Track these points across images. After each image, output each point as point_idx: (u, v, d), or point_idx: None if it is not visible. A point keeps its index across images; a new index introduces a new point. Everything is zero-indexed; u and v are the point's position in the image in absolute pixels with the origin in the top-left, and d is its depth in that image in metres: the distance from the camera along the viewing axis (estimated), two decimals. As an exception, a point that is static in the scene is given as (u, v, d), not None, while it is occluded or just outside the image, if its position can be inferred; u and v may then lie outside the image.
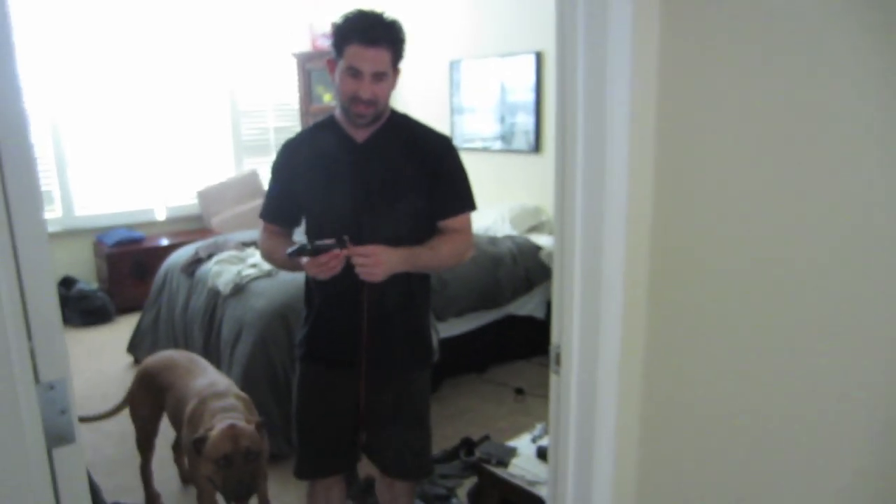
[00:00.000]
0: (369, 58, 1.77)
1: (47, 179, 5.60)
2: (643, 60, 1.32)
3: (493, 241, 4.37)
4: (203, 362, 2.78)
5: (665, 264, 1.39)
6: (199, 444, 2.19)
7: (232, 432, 2.18)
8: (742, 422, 1.28)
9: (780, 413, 1.22)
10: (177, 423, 2.60)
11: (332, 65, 1.87)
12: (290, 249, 1.77)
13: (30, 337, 0.99)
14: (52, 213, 5.66)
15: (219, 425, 2.21)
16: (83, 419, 2.93)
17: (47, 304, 1.02)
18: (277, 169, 2.02)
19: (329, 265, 1.74)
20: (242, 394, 2.54)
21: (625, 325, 1.43)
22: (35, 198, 1.01)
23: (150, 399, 2.73)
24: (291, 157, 1.98)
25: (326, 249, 1.73)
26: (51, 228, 5.53)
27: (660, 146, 1.35)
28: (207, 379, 2.58)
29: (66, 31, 5.48)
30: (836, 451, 1.15)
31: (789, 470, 1.22)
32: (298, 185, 1.96)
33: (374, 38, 1.76)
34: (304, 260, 1.77)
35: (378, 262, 1.76)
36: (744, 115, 1.20)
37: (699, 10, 1.24)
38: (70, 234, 5.73)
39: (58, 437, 1.04)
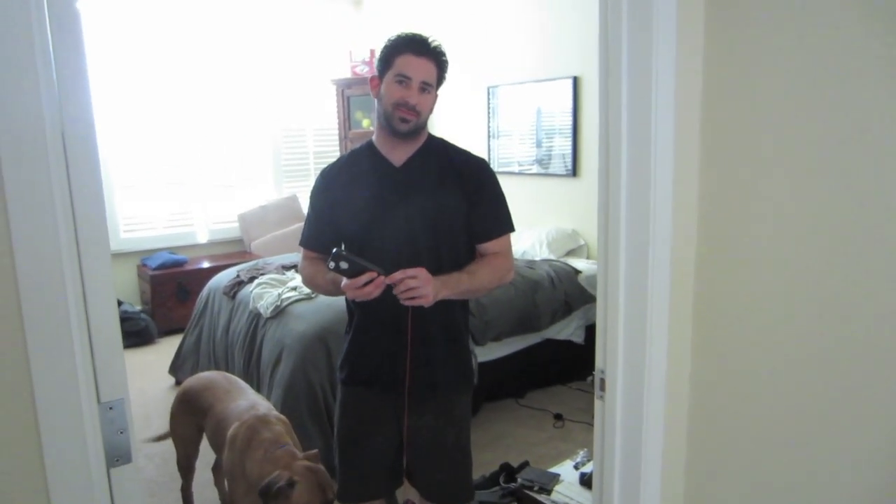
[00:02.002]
0: (419, 66, 1.85)
1: (95, 204, 5.74)
2: (687, 85, 1.32)
3: (531, 264, 4.37)
4: (242, 384, 2.81)
5: (711, 288, 1.38)
6: (283, 491, 2.08)
7: (317, 480, 2.14)
8: (795, 449, 1.26)
9: (833, 432, 1.19)
10: (216, 445, 2.62)
11: (374, 82, 1.93)
12: (329, 265, 1.76)
13: (93, 357, 1.02)
14: (99, 237, 5.79)
15: (300, 471, 2.14)
16: (147, 441, 3.00)
17: (109, 326, 1.06)
18: (316, 196, 2.05)
19: (367, 290, 1.75)
20: (282, 416, 2.55)
21: (670, 349, 1.42)
22: (101, 224, 1.05)
23: (190, 420, 2.77)
24: (330, 184, 2.02)
25: (366, 270, 1.73)
26: (97, 251, 5.67)
27: (704, 170, 1.35)
28: (247, 401, 2.60)
29: (114, 57, 5.66)
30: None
31: (844, 493, 1.19)
32: (337, 210, 1.99)
33: (425, 50, 1.86)
34: (344, 281, 1.78)
35: (426, 280, 1.76)
36: (793, 139, 1.19)
37: (744, 35, 1.24)
38: (115, 257, 5.87)
39: (116, 456, 1.06)
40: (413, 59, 1.85)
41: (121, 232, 5.96)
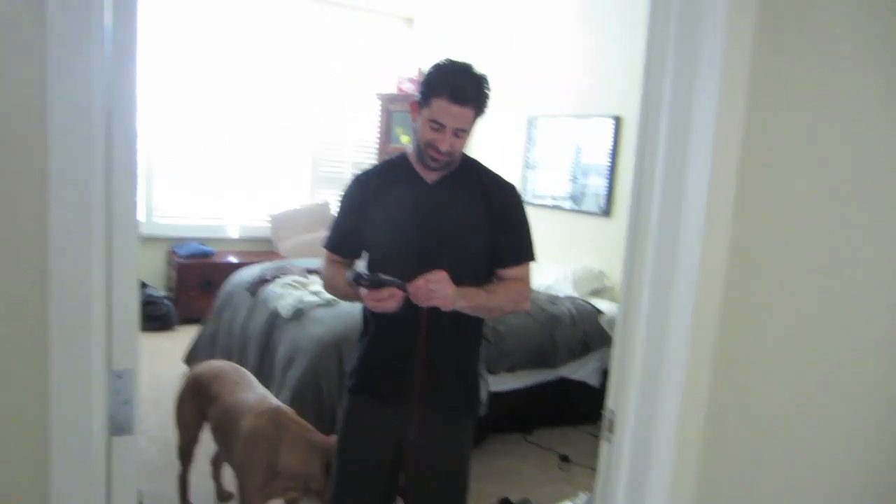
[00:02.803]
0: (454, 114, 1.81)
1: (134, 186, 5.87)
2: (727, 134, 1.31)
3: (554, 300, 4.34)
4: (250, 376, 2.83)
5: (734, 337, 1.35)
6: None
7: None
8: (812, 497, 1.22)
9: (854, 487, 1.16)
10: (221, 435, 2.63)
11: (414, 106, 1.92)
12: (349, 275, 1.79)
13: (110, 326, 1.03)
14: (133, 219, 5.91)
15: None
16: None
17: (129, 298, 1.07)
18: (346, 201, 2.06)
19: (387, 302, 1.75)
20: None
21: (685, 397, 1.39)
22: (132, 201, 1.07)
23: (195, 407, 2.78)
24: (361, 191, 2.03)
25: (387, 284, 1.75)
26: (131, 232, 5.78)
27: (737, 220, 1.33)
28: (255, 394, 2.63)
29: (170, 52, 5.82)
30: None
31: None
32: (365, 218, 2.00)
33: (462, 97, 1.80)
34: (364, 291, 1.79)
35: (448, 282, 1.75)
36: (831, 193, 1.17)
37: (789, 90, 1.23)
38: (147, 240, 5.97)
39: (118, 425, 1.07)
40: (448, 107, 1.80)
41: (155, 217, 6.06)
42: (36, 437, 0.98)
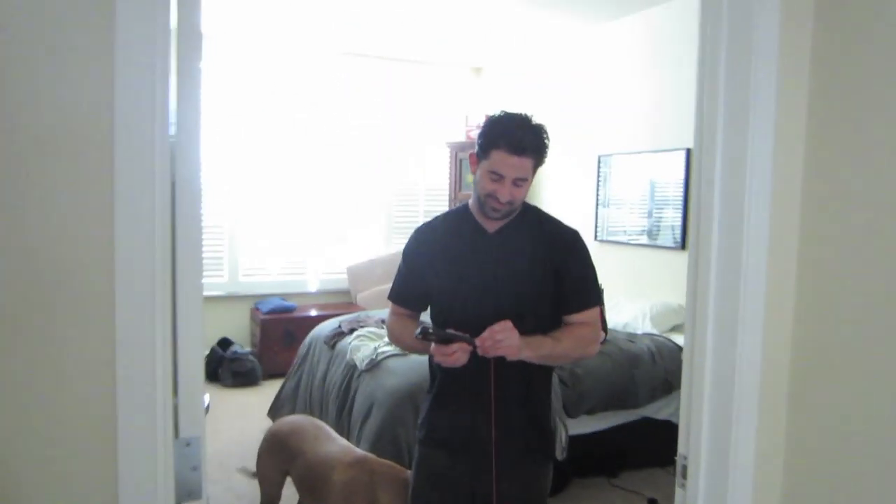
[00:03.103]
0: (513, 165, 1.82)
1: (219, 247, 6.15)
2: (785, 160, 1.28)
3: (632, 337, 4.23)
4: (328, 428, 2.89)
5: (808, 372, 1.30)
6: None
7: None
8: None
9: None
10: (310, 489, 2.67)
11: (473, 158, 1.94)
12: (417, 332, 1.81)
13: (175, 393, 1.09)
14: (220, 279, 6.17)
15: None
16: (241, 470, 3.13)
17: (195, 364, 1.12)
18: (409, 253, 2.09)
19: (455, 356, 1.77)
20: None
21: (760, 438, 1.34)
22: (197, 270, 1.13)
23: (276, 462, 2.84)
24: (423, 243, 2.06)
25: (455, 339, 1.76)
26: (217, 292, 6.06)
27: (802, 247, 1.29)
28: (338, 445, 2.69)
29: (249, 118, 6.13)
30: None
31: None
32: (428, 270, 2.02)
33: (520, 147, 1.82)
34: (433, 346, 1.81)
35: (513, 331, 1.75)
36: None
37: (847, 111, 1.20)
38: (232, 299, 6.21)
39: (187, 492, 1.11)
40: (507, 158, 1.81)
41: (240, 276, 6.30)
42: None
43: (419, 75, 6.83)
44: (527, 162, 1.84)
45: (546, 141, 1.88)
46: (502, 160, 1.82)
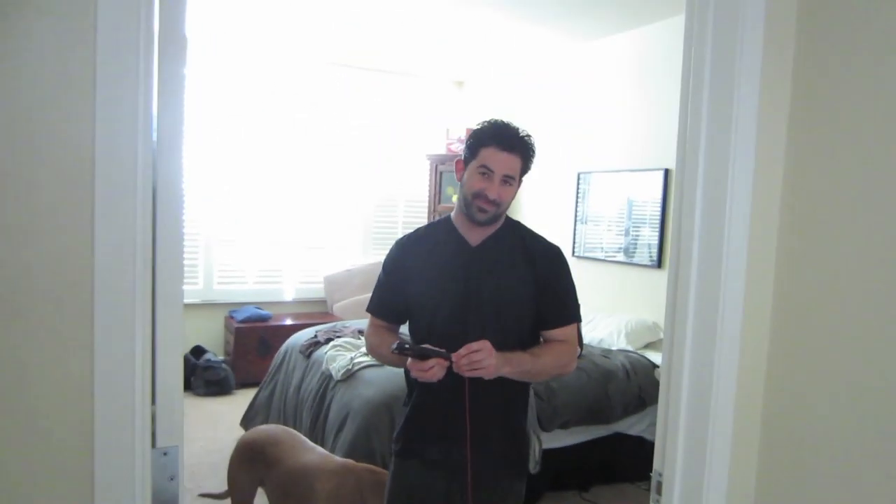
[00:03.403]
0: (502, 160, 1.86)
1: (194, 254, 6.09)
2: (765, 183, 1.31)
3: (607, 353, 4.27)
4: (301, 437, 2.87)
5: (781, 393, 1.32)
6: None
7: None
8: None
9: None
10: (286, 498, 2.64)
11: (459, 165, 1.98)
12: (393, 346, 1.81)
13: (154, 402, 1.08)
14: (194, 286, 6.10)
15: None
16: (204, 495, 3.07)
17: (173, 373, 1.11)
18: (389, 264, 2.09)
19: (432, 371, 1.77)
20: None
21: (733, 457, 1.36)
22: (177, 278, 1.12)
23: (250, 472, 2.80)
24: (404, 255, 2.06)
25: (432, 355, 1.77)
26: (191, 299, 5.98)
27: (779, 268, 1.32)
28: (317, 454, 2.68)
29: (224, 125, 6.08)
30: None
31: None
32: (409, 282, 2.02)
33: (510, 144, 1.87)
34: (409, 361, 1.81)
35: (490, 353, 1.76)
36: (876, 240, 1.15)
37: (827, 136, 1.23)
38: (206, 306, 6.15)
39: (163, 501, 1.10)
40: (497, 153, 1.86)
41: (215, 283, 6.24)
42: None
43: (401, 87, 6.85)
44: (515, 160, 1.88)
45: (532, 144, 1.93)
46: (492, 156, 1.86)
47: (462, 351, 1.75)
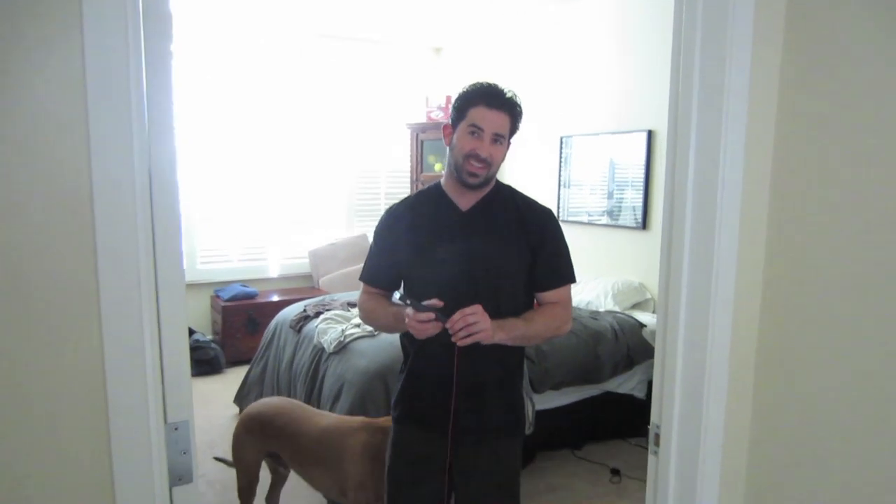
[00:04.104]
0: (492, 118, 1.87)
1: (176, 234, 6.02)
2: (757, 144, 1.33)
3: (595, 315, 4.32)
4: (305, 405, 2.93)
5: (774, 346, 1.36)
6: None
7: None
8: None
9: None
10: (315, 462, 2.70)
11: (447, 130, 1.97)
12: (398, 293, 1.82)
13: (163, 380, 1.09)
14: (178, 266, 6.05)
15: None
16: (218, 459, 3.10)
17: (180, 352, 1.12)
18: (380, 232, 2.10)
19: (427, 325, 1.78)
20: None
21: (729, 408, 1.40)
22: (177, 260, 1.13)
23: (258, 445, 2.83)
24: (395, 222, 2.06)
25: (430, 310, 1.78)
26: (175, 280, 5.92)
27: (771, 228, 1.34)
28: (332, 416, 2.76)
29: (199, 96, 5.98)
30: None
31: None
32: (400, 249, 2.02)
33: (498, 102, 1.88)
34: (409, 311, 1.82)
35: (485, 316, 1.78)
36: (865, 206, 1.18)
37: (818, 96, 1.24)
38: (190, 287, 6.10)
39: (178, 475, 1.12)
40: (486, 112, 1.87)
41: (198, 263, 6.21)
42: (103, 494, 1.03)
43: (378, 55, 6.77)
44: (504, 118, 1.89)
45: (519, 103, 1.93)
46: (481, 114, 1.87)
47: (456, 316, 1.76)
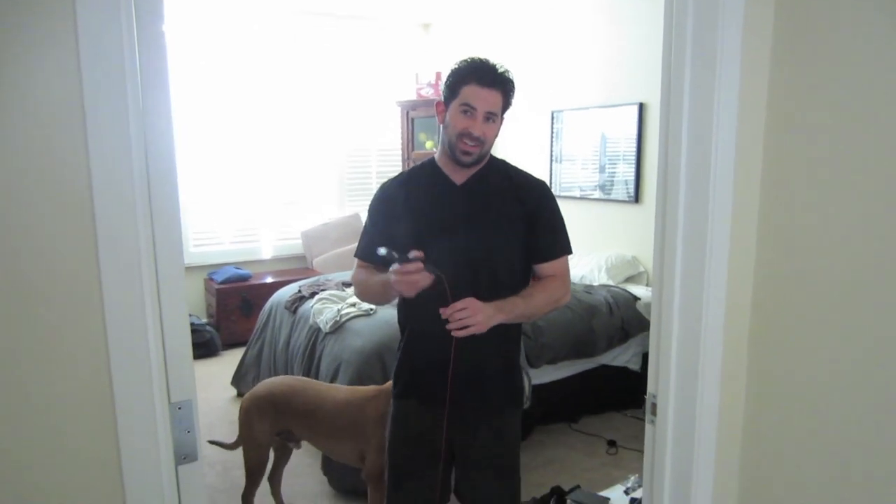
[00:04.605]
0: (484, 97, 1.86)
1: (167, 218, 5.99)
2: (750, 114, 1.33)
3: (589, 289, 4.35)
4: (313, 381, 3.00)
5: (768, 316, 1.37)
6: None
7: None
8: (852, 477, 1.24)
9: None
10: (338, 433, 2.76)
11: (440, 107, 1.97)
12: (380, 251, 1.80)
13: (165, 361, 1.10)
14: (170, 250, 6.03)
15: None
16: (212, 442, 3.12)
17: (181, 333, 1.13)
18: (374, 208, 2.09)
19: (414, 278, 1.78)
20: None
21: (723, 377, 1.42)
22: (176, 243, 1.13)
23: (270, 425, 2.86)
24: (389, 198, 2.06)
25: (419, 261, 1.77)
26: (168, 264, 5.91)
27: (765, 198, 1.35)
28: (344, 388, 2.86)
29: (186, 77, 5.92)
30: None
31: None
32: (395, 225, 2.02)
33: (490, 80, 1.87)
34: (394, 266, 1.81)
35: (476, 309, 1.79)
36: (857, 173, 1.19)
37: (810, 65, 1.25)
38: (185, 270, 6.08)
39: (183, 454, 1.13)
40: (479, 90, 1.86)
41: (190, 246, 6.19)
42: (111, 473, 1.04)
43: (366, 32, 6.70)
44: (497, 95, 1.88)
45: (511, 78, 1.92)
46: (473, 93, 1.86)
47: (447, 311, 1.78)
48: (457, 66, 1.92)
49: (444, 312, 1.78)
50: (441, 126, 1.97)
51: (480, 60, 1.91)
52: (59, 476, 1.04)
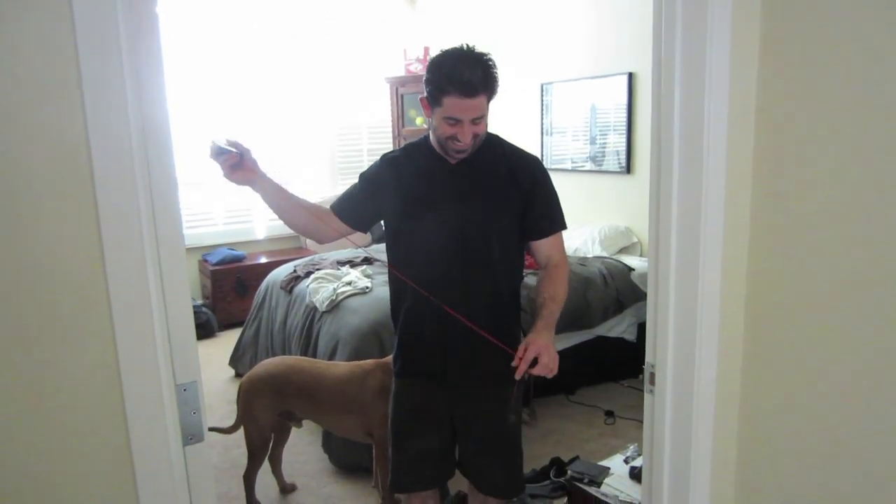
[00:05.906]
0: (467, 107, 1.80)
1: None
2: (741, 82, 1.33)
3: (584, 261, 4.37)
4: (311, 359, 3.06)
5: (763, 284, 1.39)
6: None
7: None
8: (847, 443, 1.26)
9: (889, 432, 1.19)
10: (341, 408, 2.80)
11: (425, 102, 1.91)
12: (214, 145, 2.00)
13: (170, 343, 1.10)
14: (163, 233, 6.02)
15: None
16: (212, 429, 3.15)
17: (184, 315, 1.13)
18: (369, 175, 2.07)
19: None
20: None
21: (721, 344, 1.43)
22: (177, 225, 1.14)
23: (273, 405, 2.88)
24: (387, 170, 2.04)
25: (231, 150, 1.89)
26: (161, 247, 5.90)
27: (758, 166, 1.36)
28: (342, 364, 2.90)
29: (176, 55, 5.86)
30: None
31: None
32: (385, 197, 2.01)
33: (471, 90, 1.78)
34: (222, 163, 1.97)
35: (546, 348, 1.82)
36: (848, 136, 1.19)
37: (801, 34, 1.25)
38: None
39: (190, 435, 1.14)
40: (461, 102, 1.79)
41: (184, 228, 6.14)
42: (120, 455, 1.06)
43: (351, 7, 6.63)
44: (480, 101, 1.82)
45: (495, 73, 1.84)
46: (456, 105, 1.80)
47: (522, 367, 1.81)
48: (436, 69, 1.82)
49: (521, 368, 1.80)
50: (429, 119, 1.93)
51: (460, 63, 1.80)
52: (71, 459, 1.05)
